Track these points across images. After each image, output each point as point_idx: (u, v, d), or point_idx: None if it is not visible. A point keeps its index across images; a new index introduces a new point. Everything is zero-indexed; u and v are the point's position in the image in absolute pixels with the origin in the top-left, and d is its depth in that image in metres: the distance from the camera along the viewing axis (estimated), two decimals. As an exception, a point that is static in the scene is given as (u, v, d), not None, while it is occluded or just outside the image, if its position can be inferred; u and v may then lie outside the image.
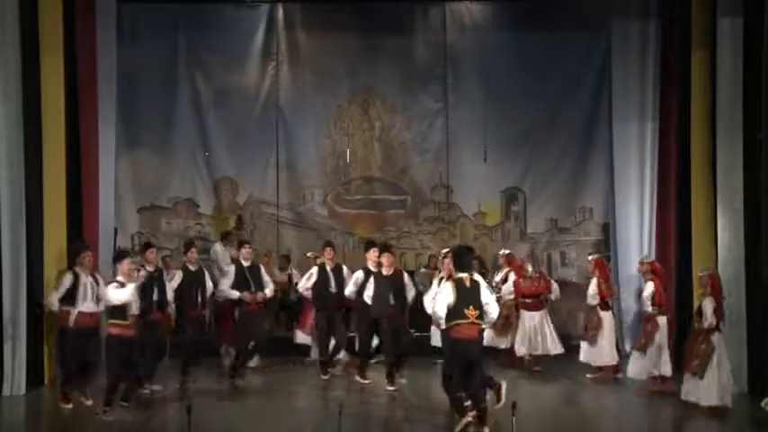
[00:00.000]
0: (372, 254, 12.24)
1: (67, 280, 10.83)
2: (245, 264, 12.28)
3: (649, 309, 11.41)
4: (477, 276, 9.56)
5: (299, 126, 15.67)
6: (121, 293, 9.96)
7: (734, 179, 11.60)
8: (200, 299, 12.17)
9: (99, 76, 13.19)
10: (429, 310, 10.08)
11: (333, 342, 12.68)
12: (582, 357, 12.53)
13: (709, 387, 10.12)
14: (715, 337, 10.23)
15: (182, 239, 14.64)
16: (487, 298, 9.37)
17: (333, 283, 12.54)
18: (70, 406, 10.55)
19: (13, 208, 11.38)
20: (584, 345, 12.52)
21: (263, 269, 12.54)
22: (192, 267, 12.26)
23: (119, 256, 10.73)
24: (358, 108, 15.86)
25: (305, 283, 12.78)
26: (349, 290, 12.36)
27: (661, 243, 13.88)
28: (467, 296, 9.23)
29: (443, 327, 9.41)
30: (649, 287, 11.43)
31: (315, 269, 12.73)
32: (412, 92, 15.81)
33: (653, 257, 11.74)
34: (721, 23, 11.69)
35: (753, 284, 11.38)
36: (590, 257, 12.98)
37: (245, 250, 12.33)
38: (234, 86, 15.48)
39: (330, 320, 12.52)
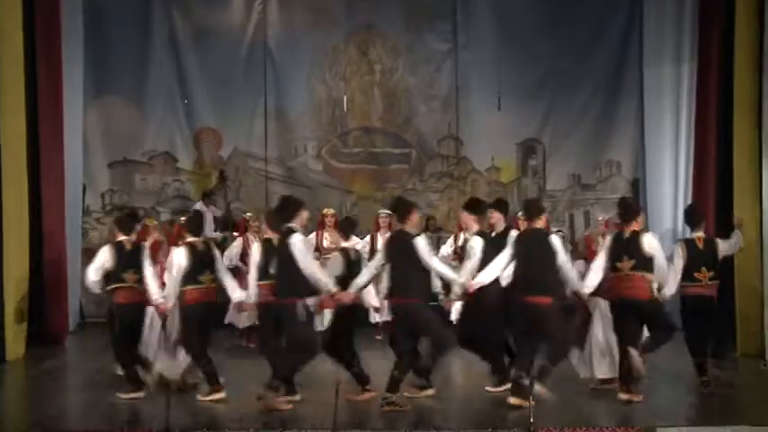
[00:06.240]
0: None
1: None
2: None
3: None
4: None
5: (289, 70, 15.12)
6: None
7: (782, 128, 10.87)
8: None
9: (62, 14, 12.61)
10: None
11: None
12: None
13: (596, 358, 9.22)
14: (591, 305, 9.23)
15: (158, 198, 14.58)
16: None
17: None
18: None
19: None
20: None
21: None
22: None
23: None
24: (356, 50, 15.34)
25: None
26: None
27: (698, 201, 12.96)
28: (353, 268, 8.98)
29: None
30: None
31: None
32: (417, 31, 15.22)
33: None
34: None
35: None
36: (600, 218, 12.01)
37: None
38: (216, 25, 14.93)
39: None
